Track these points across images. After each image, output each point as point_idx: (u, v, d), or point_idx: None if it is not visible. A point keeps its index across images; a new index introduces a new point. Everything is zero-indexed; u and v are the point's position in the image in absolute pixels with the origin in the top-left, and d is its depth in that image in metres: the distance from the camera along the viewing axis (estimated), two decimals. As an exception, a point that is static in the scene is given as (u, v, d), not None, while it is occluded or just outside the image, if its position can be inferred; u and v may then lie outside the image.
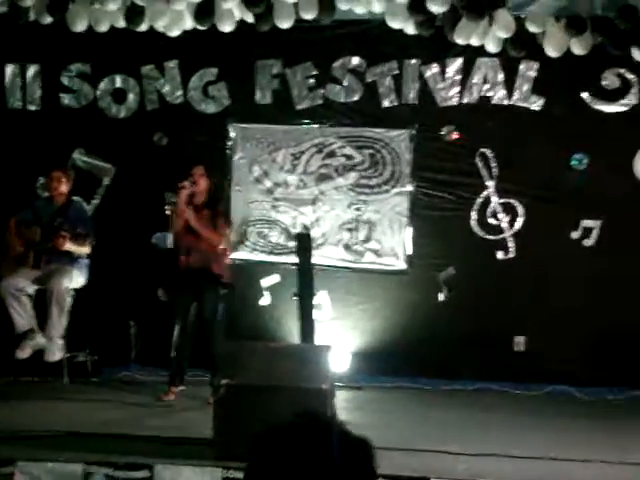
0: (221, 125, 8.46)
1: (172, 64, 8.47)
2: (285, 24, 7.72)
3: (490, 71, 8.12)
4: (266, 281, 8.35)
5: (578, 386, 7.72)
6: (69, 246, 7.19)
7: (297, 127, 8.42)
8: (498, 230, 8.14)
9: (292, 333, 7.80)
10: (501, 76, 8.11)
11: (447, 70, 8.19)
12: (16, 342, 7.10)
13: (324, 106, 8.37)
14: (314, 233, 8.23)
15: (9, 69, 8.56)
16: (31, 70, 8.57)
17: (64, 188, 7.49)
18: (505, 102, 8.14)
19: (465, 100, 8.19)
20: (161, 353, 7.39)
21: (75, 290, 7.31)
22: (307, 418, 1.74)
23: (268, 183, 8.47)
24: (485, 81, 8.15)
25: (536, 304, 7.94)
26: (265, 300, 8.35)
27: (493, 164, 8.13)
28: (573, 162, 8.01)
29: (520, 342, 8.02)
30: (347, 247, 8.40)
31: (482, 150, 8.12)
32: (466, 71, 8.15)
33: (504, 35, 7.48)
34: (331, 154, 8.42)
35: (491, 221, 8.14)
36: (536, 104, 8.08)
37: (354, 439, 1.72)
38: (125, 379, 7.83)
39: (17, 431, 5.44)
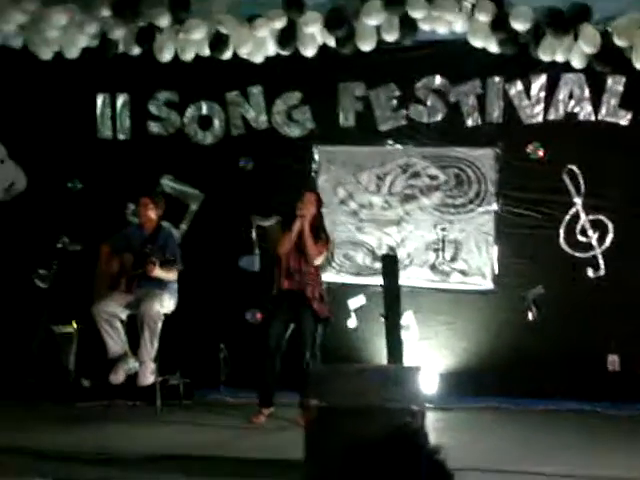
0: (306, 148, 8.53)
1: (256, 90, 8.59)
2: (367, 46, 7.78)
3: (576, 87, 8.03)
4: (353, 303, 8.37)
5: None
6: (158, 272, 7.32)
7: (381, 148, 8.45)
8: (588, 247, 8.02)
9: (380, 354, 7.78)
10: (587, 92, 8.00)
11: (532, 87, 8.12)
12: (110, 367, 7.24)
13: (408, 127, 8.38)
14: (400, 254, 8.21)
15: (99, 99, 8.79)
16: (120, 100, 8.79)
17: (153, 214, 7.63)
18: (592, 118, 8.03)
19: (551, 117, 8.11)
20: (250, 375, 7.45)
21: (166, 315, 7.41)
22: (399, 437, 1.74)
23: (353, 205, 8.50)
24: (571, 97, 8.05)
25: (629, 322, 7.78)
26: (352, 322, 8.36)
27: (580, 181, 8.01)
28: (664, 176, 7.85)
29: (614, 361, 7.85)
30: (433, 267, 8.37)
31: (569, 167, 8.02)
32: (551, 88, 8.07)
33: (590, 50, 7.39)
34: (415, 174, 8.41)
35: (580, 238, 8.02)
36: (624, 119, 7.95)
37: (441, 463, 1.71)
38: (216, 402, 7.90)
39: (113, 453, 5.54)
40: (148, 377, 7.27)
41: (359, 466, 1.70)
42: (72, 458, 5.46)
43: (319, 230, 7.24)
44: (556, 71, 7.96)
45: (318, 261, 7.20)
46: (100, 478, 4.96)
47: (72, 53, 8.20)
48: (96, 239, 7.90)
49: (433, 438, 5.25)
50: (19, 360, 7.88)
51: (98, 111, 8.79)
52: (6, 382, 7.74)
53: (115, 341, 7.25)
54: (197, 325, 8.14)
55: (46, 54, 8.25)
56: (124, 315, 7.39)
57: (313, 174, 8.53)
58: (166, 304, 7.44)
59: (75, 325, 8.00)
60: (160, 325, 7.30)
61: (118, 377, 7.20)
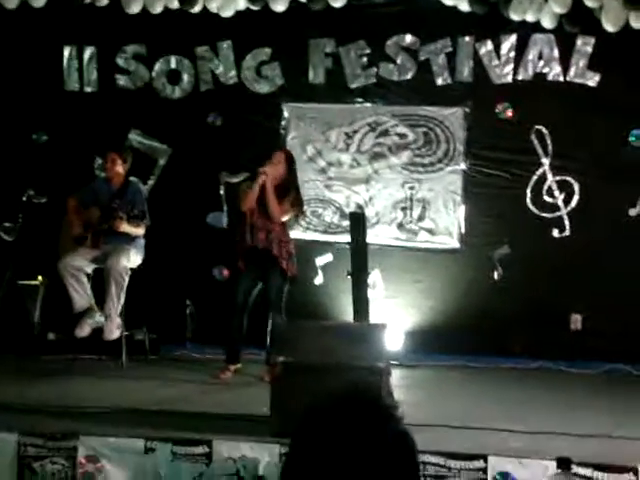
0: (275, 105, 8.48)
1: (226, 45, 8.50)
2: (338, 2, 7.73)
3: (546, 47, 8.02)
4: (320, 260, 8.38)
5: (636, 364, 7.63)
6: (126, 227, 7.28)
7: (350, 106, 8.42)
8: (554, 208, 8.07)
9: (346, 312, 7.81)
10: (557, 52, 8.01)
11: (502, 47, 8.10)
12: (75, 321, 7.23)
13: (377, 85, 8.35)
14: (368, 212, 8.22)
15: (66, 51, 8.67)
16: (87, 52, 8.67)
17: (121, 169, 7.56)
18: (561, 78, 8.04)
19: (520, 77, 8.11)
20: (217, 331, 7.47)
21: (132, 269, 7.39)
22: (356, 394, 1.74)
23: (322, 162, 8.48)
24: (540, 57, 8.06)
25: (593, 282, 7.86)
26: (319, 279, 8.38)
27: (549, 141, 8.05)
28: (631, 138, 7.90)
29: (577, 320, 7.95)
30: (401, 226, 8.40)
31: (537, 127, 8.04)
32: (521, 47, 8.06)
33: (560, 10, 7.40)
34: (384, 133, 8.40)
35: (547, 199, 8.07)
36: (592, 80, 7.97)
37: (399, 424, 1.71)
38: (182, 357, 7.93)
39: (79, 407, 5.55)
40: (114, 331, 7.26)
41: (314, 420, 1.70)
42: (37, 411, 5.46)
43: (288, 189, 7.18)
44: (526, 31, 7.95)
45: (282, 219, 7.14)
46: (65, 431, 4.97)
47: (38, 2, 8.07)
48: (62, 192, 7.83)
49: (398, 395, 5.33)
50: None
51: (65, 63, 8.67)
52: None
53: (81, 295, 7.22)
54: (164, 281, 8.14)
55: (11, 2, 8.12)
56: (90, 269, 7.36)
57: (282, 131, 8.49)
58: (133, 259, 7.41)
59: (40, 278, 7.96)
60: (127, 280, 7.27)
61: (84, 331, 7.19)
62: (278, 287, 7.05)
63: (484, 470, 4.71)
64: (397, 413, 1.72)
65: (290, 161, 7.29)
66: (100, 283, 7.31)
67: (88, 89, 8.71)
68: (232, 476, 4.66)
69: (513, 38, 8.06)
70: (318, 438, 1.65)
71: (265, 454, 4.75)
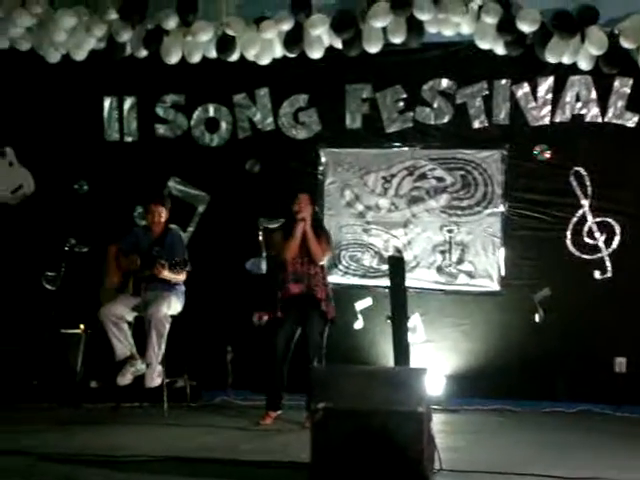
0: (312, 150, 8.54)
1: (263, 92, 8.60)
2: (374, 48, 7.79)
3: (583, 89, 8.02)
4: (360, 304, 8.37)
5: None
6: (167, 274, 7.33)
7: (388, 150, 8.45)
8: (595, 249, 8.01)
9: (386, 356, 7.78)
10: (594, 93, 7.99)
11: (538, 89, 8.12)
12: (117, 369, 7.26)
13: (414, 129, 8.39)
14: (406, 256, 8.21)
15: (107, 102, 8.81)
16: (127, 102, 8.81)
17: (159, 217, 7.63)
18: (599, 120, 8.02)
19: (557, 119, 8.10)
20: (257, 378, 7.47)
21: (173, 317, 7.42)
22: (364, 439, 1.75)
23: (360, 207, 8.50)
24: (578, 99, 8.05)
25: (636, 324, 7.76)
26: (359, 324, 8.36)
27: (588, 183, 8.00)
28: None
29: (621, 363, 7.84)
30: (440, 269, 8.37)
31: (576, 169, 8.01)
32: (558, 90, 8.07)
33: (597, 52, 7.40)
34: (422, 176, 8.42)
35: (587, 240, 8.01)
36: (631, 121, 7.94)
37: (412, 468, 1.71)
38: (223, 404, 7.92)
39: (120, 455, 5.55)
40: (155, 379, 7.28)
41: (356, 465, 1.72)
42: (78, 460, 5.46)
43: (317, 229, 7.22)
44: (563, 73, 7.96)
45: (324, 260, 7.19)
46: (106, 480, 4.97)
47: (79, 56, 8.24)
48: (103, 241, 7.91)
49: (441, 440, 5.27)
50: (26, 364, 7.89)
51: (105, 113, 8.82)
52: (12, 385, 7.75)
53: (122, 343, 7.27)
54: (204, 327, 8.16)
55: (54, 57, 8.30)
56: (131, 317, 7.41)
57: (320, 176, 8.53)
58: (173, 306, 7.45)
59: (83, 327, 8.02)
60: (167, 327, 7.31)
61: (125, 379, 7.22)
62: (320, 331, 7.04)
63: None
64: (412, 456, 1.72)
65: (313, 201, 7.32)
66: (141, 331, 7.34)
67: (128, 139, 8.84)
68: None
69: (550, 80, 8.07)
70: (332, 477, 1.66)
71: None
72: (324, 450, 4.93)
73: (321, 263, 7.17)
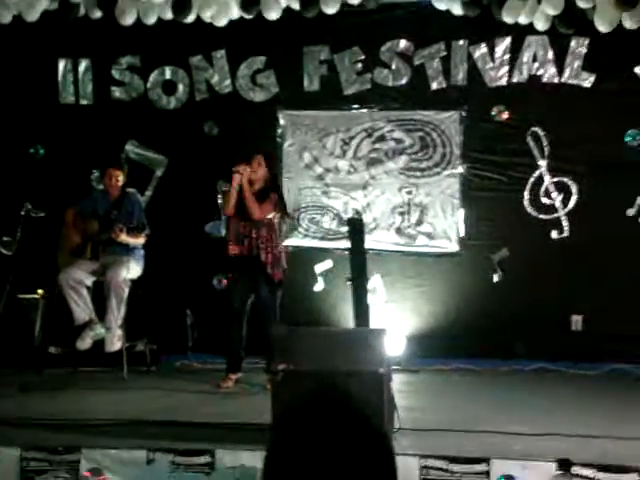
0: (270, 113, 8.49)
1: (220, 54, 8.52)
2: (331, 9, 7.73)
3: (540, 49, 8.04)
4: (319, 267, 8.39)
5: (637, 364, 7.63)
6: (125, 238, 7.29)
7: (346, 112, 8.43)
8: (552, 209, 8.08)
9: (346, 318, 7.81)
10: (551, 54, 8.03)
11: (496, 50, 8.13)
12: (76, 333, 7.22)
13: (373, 90, 8.36)
14: (366, 218, 8.23)
15: (61, 64, 8.68)
16: (82, 64, 8.68)
17: (117, 181, 7.57)
18: (556, 80, 8.06)
19: (515, 79, 8.12)
20: (218, 341, 7.47)
21: (132, 281, 7.39)
22: (325, 400, 1.76)
23: (319, 169, 8.49)
24: (535, 59, 8.07)
25: (592, 283, 7.87)
26: (319, 286, 8.38)
27: (545, 143, 8.06)
28: (627, 138, 7.91)
29: (577, 321, 7.96)
30: (399, 231, 8.40)
31: (533, 129, 8.06)
32: (515, 50, 8.08)
33: (553, 12, 7.40)
34: (381, 138, 8.41)
35: (544, 200, 8.08)
36: (587, 81, 7.99)
37: (373, 429, 1.72)
38: (183, 367, 7.93)
39: (81, 419, 5.54)
40: (115, 343, 7.26)
41: (291, 426, 1.72)
42: (39, 425, 5.45)
43: (268, 191, 7.08)
44: (520, 33, 7.96)
45: (260, 216, 6.93)
46: (69, 444, 4.96)
47: (32, 16, 8.07)
48: (60, 205, 7.82)
49: (401, 400, 5.32)
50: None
51: (60, 76, 8.69)
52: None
53: (81, 308, 7.23)
54: (164, 291, 8.13)
55: (5, 17, 8.12)
56: (90, 282, 7.36)
57: (278, 139, 8.50)
58: (132, 270, 7.41)
59: (41, 292, 7.95)
60: (127, 291, 7.28)
61: (85, 343, 7.18)
62: (268, 293, 7.00)
63: (487, 473, 4.71)
64: (377, 417, 1.73)
65: (270, 162, 7.19)
66: (100, 295, 7.30)
67: (84, 102, 8.72)
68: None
69: (507, 41, 8.09)
70: (293, 440, 1.67)
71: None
72: (284, 411, 4.96)
73: (261, 219, 6.97)
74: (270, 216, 7.06)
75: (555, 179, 8.06)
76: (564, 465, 3.91)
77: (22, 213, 8.18)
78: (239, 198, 6.96)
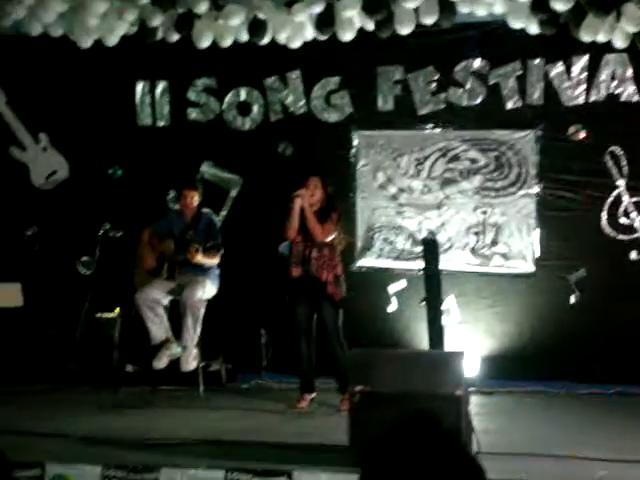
0: (344, 133, 8.51)
1: (295, 75, 8.58)
2: (406, 30, 7.72)
3: (618, 67, 7.93)
4: (393, 287, 8.35)
5: None
6: (201, 258, 7.36)
7: (420, 132, 8.40)
8: (631, 230, 7.94)
9: (420, 339, 7.77)
10: (630, 72, 7.90)
11: (573, 68, 8.04)
12: (153, 353, 7.30)
13: (447, 110, 8.33)
14: (440, 238, 8.18)
15: (139, 87, 8.83)
16: (159, 87, 8.82)
17: (192, 202, 7.66)
18: (635, 98, 7.93)
19: (592, 98, 8.02)
20: (292, 360, 7.48)
21: (207, 300, 7.45)
22: (419, 424, 1.75)
23: (393, 189, 8.47)
24: (613, 78, 7.96)
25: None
26: (393, 306, 8.35)
27: (623, 162, 7.93)
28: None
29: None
30: (474, 251, 8.34)
31: (611, 148, 7.94)
32: (593, 68, 7.98)
33: (632, 29, 7.29)
34: (455, 158, 8.37)
35: (623, 221, 7.94)
36: (666, 99, 7.86)
37: (465, 454, 1.70)
38: (258, 387, 7.96)
39: (159, 438, 5.60)
40: (191, 362, 7.32)
41: (379, 451, 1.72)
42: (119, 443, 5.52)
43: (328, 211, 7.09)
44: (598, 51, 7.86)
45: (324, 239, 6.99)
46: (147, 463, 5.01)
47: (111, 41, 8.23)
48: (138, 225, 7.95)
49: (477, 422, 5.26)
50: (62, 347, 7.97)
51: (138, 98, 8.84)
52: (49, 369, 7.82)
53: (158, 327, 7.31)
54: (239, 310, 8.18)
55: (86, 42, 8.29)
56: (166, 301, 7.45)
57: (352, 159, 8.51)
58: (208, 290, 7.48)
59: (118, 310, 8.07)
60: (202, 311, 7.34)
61: (161, 362, 7.26)
62: (331, 314, 7.00)
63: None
64: (464, 439, 1.72)
65: (325, 184, 7.19)
66: (177, 315, 7.38)
67: (161, 123, 8.85)
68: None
69: (584, 59, 7.99)
70: (386, 465, 1.66)
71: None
72: (362, 434, 4.96)
73: (322, 241, 6.99)
74: (332, 237, 7.08)
75: (634, 199, 7.92)
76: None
77: (100, 233, 8.34)
78: (301, 221, 7.00)
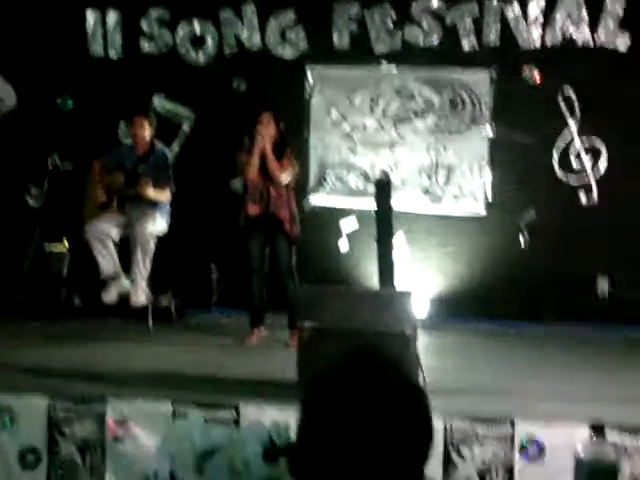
0: (299, 69, 8.42)
1: (250, 8, 8.44)
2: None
3: (574, 9, 7.92)
4: (345, 225, 8.35)
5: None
6: (151, 192, 7.29)
7: (375, 70, 8.35)
8: (581, 173, 8.00)
9: (371, 278, 7.80)
10: (585, 14, 7.90)
11: (529, 10, 8.01)
12: (102, 286, 7.26)
13: (403, 49, 8.27)
14: (393, 177, 8.17)
15: (91, 16, 8.63)
16: (112, 17, 8.63)
17: (146, 134, 7.54)
18: (590, 42, 7.94)
19: (548, 40, 8.01)
20: (242, 296, 7.48)
21: (158, 236, 7.39)
22: (363, 359, 1.75)
23: (346, 126, 8.44)
24: (569, 20, 7.95)
25: (620, 248, 7.81)
26: (344, 245, 8.36)
27: (576, 105, 7.96)
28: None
29: (604, 285, 7.91)
30: (426, 191, 8.35)
31: (565, 91, 7.96)
32: (549, 10, 7.96)
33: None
34: (410, 97, 8.34)
35: (574, 164, 7.99)
36: (622, 43, 7.87)
37: (411, 385, 1.71)
38: (208, 322, 7.95)
39: (106, 371, 5.58)
40: (140, 297, 7.28)
41: (321, 387, 1.72)
42: (66, 375, 5.49)
43: (282, 147, 7.04)
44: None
45: (284, 178, 6.99)
46: (93, 394, 4.99)
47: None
48: (88, 158, 7.82)
49: (425, 360, 5.31)
50: (10, 278, 7.88)
51: (89, 28, 8.64)
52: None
53: (107, 260, 7.24)
54: (189, 246, 8.13)
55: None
56: (116, 234, 7.37)
57: (306, 95, 8.44)
58: (158, 224, 7.41)
59: (67, 244, 7.99)
60: (152, 246, 7.29)
61: (110, 296, 7.22)
62: (285, 250, 7.01)
63: (511, 435, 4.70)
64: (413, 377, 1.73)
65: (279, 120, 7.10)
66: (127, 250, 7.32)
67: (113, 54, 8.68)
68: (264, 441, 4.66)
69: (540, 1, 7.96)
70: (331, 399, 1.67)
71: (292, 418, 4.75)
72: (310, 369, 4.98)
73: (282, 181, 6.97)
74: (289, 175, 7.04)
75: (586, 142, 7.98)
76: (598, 430, 3.85)
77: (49, 165, 8.20)
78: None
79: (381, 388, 1.67)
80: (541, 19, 8.01)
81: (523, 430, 4.69)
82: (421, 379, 5.17)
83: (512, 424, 4.70)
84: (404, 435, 1.65)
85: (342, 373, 1.73)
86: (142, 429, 4.81)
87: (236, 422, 4.81)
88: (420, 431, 1.68)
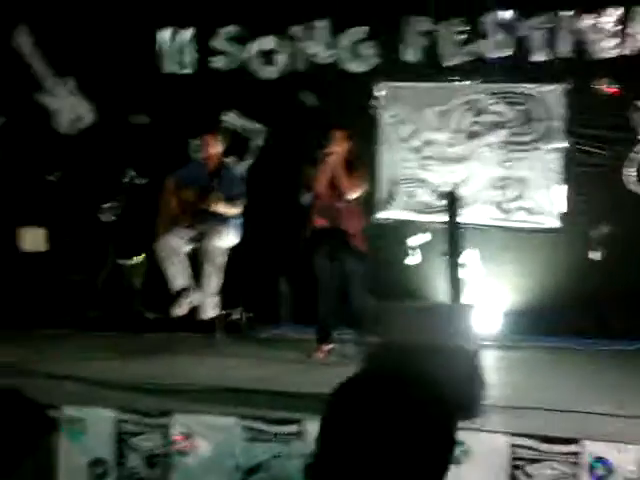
0: (370, 84, 8.43)
1: (321, 24, 8.48)
2: (434, -21, 7.63)
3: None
4: (415, 240, 8.32)
5: None
6: (222, 207, 7.36)
7: (446, 84, 8.30)
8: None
9: (442, 292, 7.74)
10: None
11: (603, 21, 7.88)
12: (173, 299, 7.34)
13: (474, 62, 8.22)
14: (464, 192, 8.10)
15: (164, 34, 8.78)
16: (185, 34, 8.76)
17: (216, 151, 7.62)
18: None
19: (622, 52, 7.87)
20: (311, 311, 7.50)
21: (230, 249, 7.46)
22: (382, 374, 1.75)
23: (417, 142, 8.40)
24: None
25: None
26: (414, 259, 8.32)
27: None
28: None
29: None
30: (498, 205, 8.27)
31: (637, 103, 7.79)
32: (624, 21, 7.82)
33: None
34: (482, 111, 8.27)
35: (649, 178, 7.84)
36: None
37: (432, 398, 1.70)
38: (277, 337, 7.99)
39: (173, 384, 5.64)
40: (210, 310, 7.35)
41: (341, 400, 1.73)
42: (134, 388, 5.57)
43: (355, 164, 7.07)
44: (629, 4, 7.70)
45: (353, 195, 7.01)
46: (161, 408, 5.06)
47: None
48: (159, 174, 7.94)
49: (495, 376, 5.24)
50: (85, 293, 8.04)
51: (162, 45, 8.79)
52: (70, 315, 7.90)
53: (178, 274, 7.32)
54: (260, 260, 8.19)
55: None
56: (187, 249, 7.46)
57: (377, 110, 8.44)
58: (229, 238, 7.48)
59: (140, 258, 8.11)
60: (223, 259, 7.35)
61: (181, 310, 7.29)
62: (357, 267, 6.99)
63: (579, 454, 4.61)
64: (437, 389, 1.71)
65: (351, 137, 7.13)
66: (197, 263, 7.39)
67: (185, 71, 8.81)
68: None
69: (616, 11, 7.83)
70: (347, 413, 1.67)
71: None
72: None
73: (351, 197, 7.00)
74: (359, 193, 7.05)
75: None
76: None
77: (125, 180, 8.36)
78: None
79: (397, 402, 1.67)
80: (614, 30, 7.86)
81: (591, 450, 4.60)
82: (477, 393, 5.09)
83: (580, 444, 4.61)
84: (420, 449, 1.64)
85: (359, 387, 1.75)
86: (208, 443, 4.86)
87: (300, 436, 4.82)
88: (439, 446, 1.67)
